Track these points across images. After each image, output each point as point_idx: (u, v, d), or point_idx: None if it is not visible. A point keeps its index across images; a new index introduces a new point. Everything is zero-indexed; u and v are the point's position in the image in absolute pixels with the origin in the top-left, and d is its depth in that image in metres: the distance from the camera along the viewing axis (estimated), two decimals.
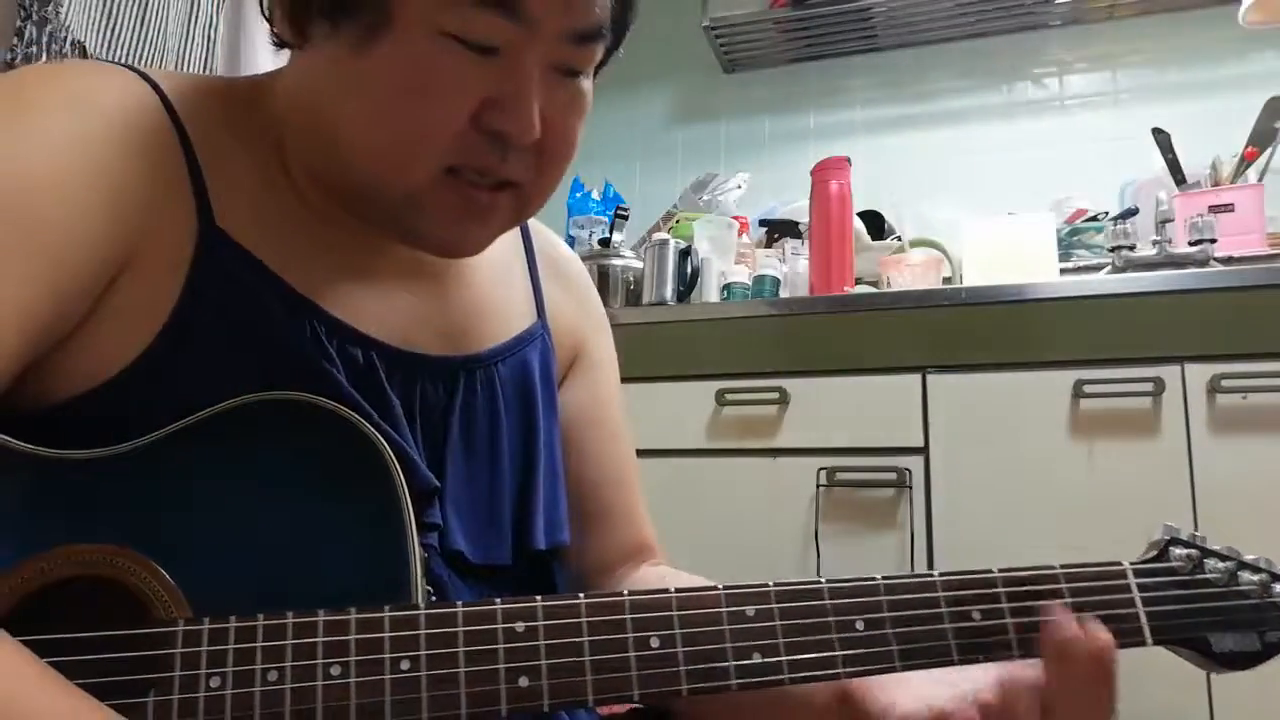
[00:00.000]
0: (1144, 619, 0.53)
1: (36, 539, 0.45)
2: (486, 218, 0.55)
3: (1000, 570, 0.53)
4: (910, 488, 1.53)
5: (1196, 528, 1.36)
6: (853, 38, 2.34)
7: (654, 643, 0.47)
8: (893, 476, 1.53)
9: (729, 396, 1.66)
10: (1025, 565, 0.53)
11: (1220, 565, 0.55)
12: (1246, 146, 1.85)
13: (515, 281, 0.69)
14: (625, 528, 0.72)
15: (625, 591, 0.48)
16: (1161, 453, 1.42)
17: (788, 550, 1.56)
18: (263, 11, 0.56)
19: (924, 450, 1.54)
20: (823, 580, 0.50)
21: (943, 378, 1.55)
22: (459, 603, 0.47)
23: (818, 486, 1.57)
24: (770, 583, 0.50)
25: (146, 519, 0.46)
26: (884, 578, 0.51)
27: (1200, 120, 2.03)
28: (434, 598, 0.53)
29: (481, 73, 0.50)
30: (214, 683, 0.43)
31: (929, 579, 0.52)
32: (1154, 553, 0.56)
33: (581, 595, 0.48)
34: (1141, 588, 0.54)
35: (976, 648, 0.51)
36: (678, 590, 0.48)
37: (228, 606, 0.45)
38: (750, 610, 0.49)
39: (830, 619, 0.50)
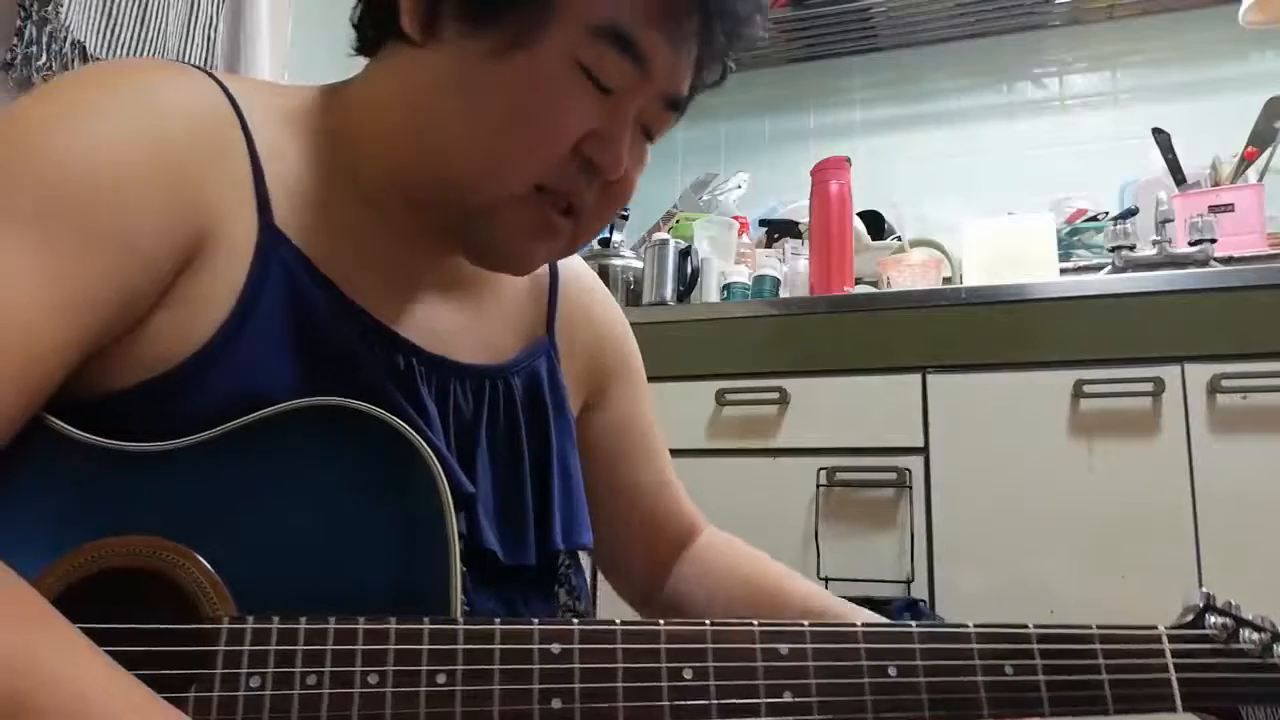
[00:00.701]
0: (1175, 685, 0.53)
1: (88, 528, 0.46)
2: (551, 239, 0.59)
3: (1036, 626, 0.52)
4: (910, 488, 1.53)
5: (1196, 528, 1.37)
6: (853, 38, 2.34)
7: (687, 674, 0.48)
8: (893, 476, 1.53)
9: (729, 396, 1.66)
10: (1061, 624, 0.53)
11: (1255, 636, 0.54)
12: (1246, 146, 1.85)
13: (539, 298, 0.72)
14: (672, 524, 0.80)
15: (661, 621, 0.49)
16: (1161, 453, 1.42)
17: (788, 550, 1.56)
18: (353, 21, 0.59)
19: (924, 450, 1.54)
20: (858, 624, 0.51)
21: (943, 378, 1.55)
22: (497, 619, 0.47)
23: (818, 486, 1.57)
24: (805, 622, 0.50)
25: (196, 515, 0.47)
26: (919, 625, 0.51)
27: (1200, 120, 2.03)
28: (467, 608, 0.54)
29: (597, 107, 0.54)
30: (254, 683, 0.44)
31: (964, 630, 0.52)
32: (1189, 617, 0.55)
33: (618, 621, 0.48)
34: (1175, 654, 0.53)
35: (1007, 702, 0.51)
36: (713, 622, 0.49)
37: (270, 605, 0.45)
38: (784, 649, 0.49)
39: (863, 663, 0.50)
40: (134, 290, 0.49)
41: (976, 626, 0.52)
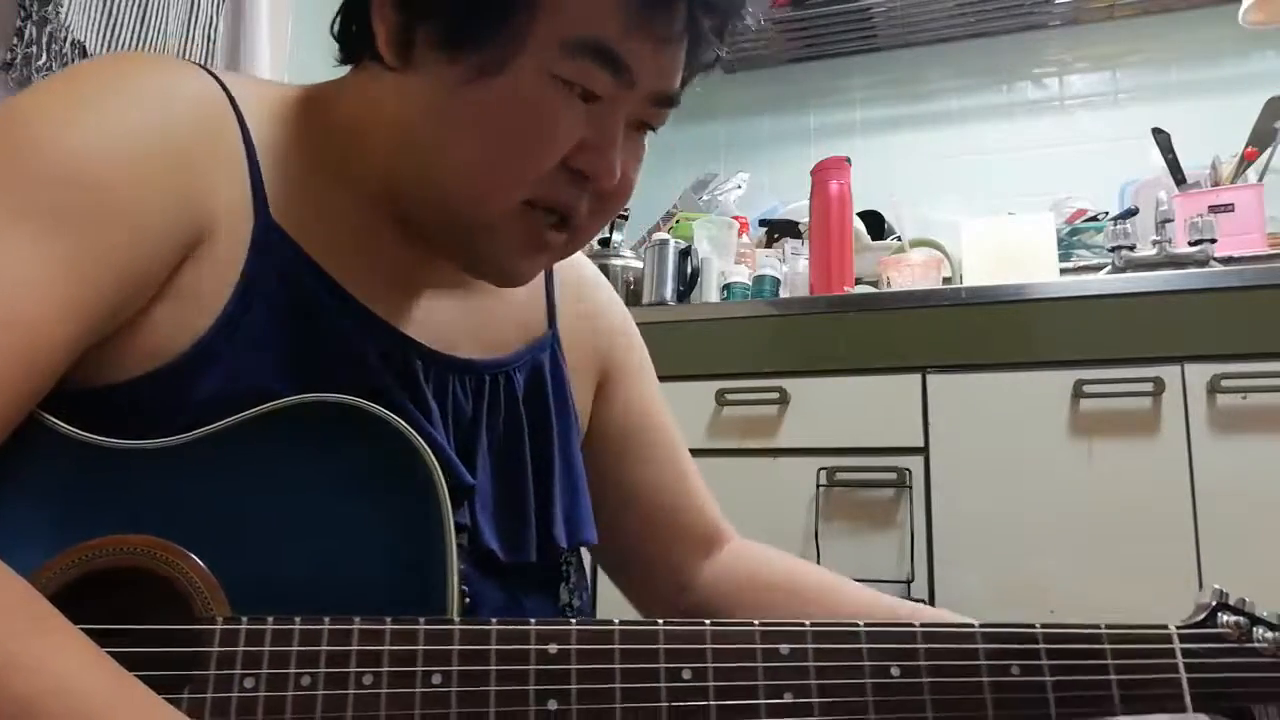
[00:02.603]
0: (1185, 685, 0.51)
1: (81, 526, 0.45)
2: (545, 252, 0.59)
3: (1043, 626, 0.51)
4: (910, 488, 1.53)
5: (1196, 528, 1.37)
6: (852, 38, 2.34)
7: (685, 674, 0.47)
8: (893, 476, 1.53)
9: (729, 396, 1.66)
10: (1070, 623, 0.52)
11: (1269, 635, 0.52)
12: (1246, 146, 1.85)
13: (535, 291, 0.71)
14: (694, 522, 0.77)
15: (660, 621, 0.48)
16: (1161, 453, 1.42)
17: (788, 550, 1.55)
18: (332, 32, 0.59)
19: (924, 450, 1.54)
20: (860, 623, 0.50)
21: (943, 378, 1.55)
22: (493, 620, 0.47)
23: (818, 486, 1.57)
24: (807, 622, 0.49)
25: (190, 513, 0.47)
26: (922, 625, 0.50)
27: (1200, 120, 2.03)
28: (469, 599, 0.54)
29: (583, 117, 0.53)
30: (248, 684, 0.43)
31: (969, 630, 0.50)
32: (1201, 615, 0.53)
33: (616, 620, 0.48)
34: (1186, 653, 0.52)
35: (1013, 704, 0.49)
36: (712, 622, 0.48)
37: (266, 604, 0.45)
38: (785, 649, 0.48)
39: (865, 664, 0.49)
40: (138, 282, 0.49)
41: (982, 626, 0.51)
